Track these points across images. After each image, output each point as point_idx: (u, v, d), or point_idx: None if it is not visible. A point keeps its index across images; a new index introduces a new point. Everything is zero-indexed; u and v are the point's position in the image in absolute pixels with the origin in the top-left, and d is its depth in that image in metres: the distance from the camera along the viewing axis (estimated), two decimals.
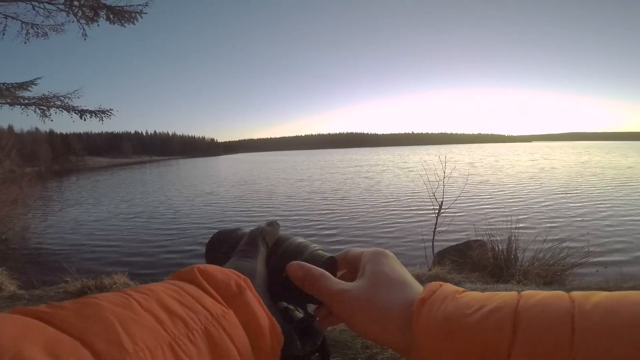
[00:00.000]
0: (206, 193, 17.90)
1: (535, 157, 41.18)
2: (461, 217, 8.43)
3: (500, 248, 4.21)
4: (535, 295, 0.24)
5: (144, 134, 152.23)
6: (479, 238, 5.20)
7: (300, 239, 0.38)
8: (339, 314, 0.30)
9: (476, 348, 0.23)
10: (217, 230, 0.42)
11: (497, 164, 31.33)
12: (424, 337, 0.25)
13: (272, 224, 0.37)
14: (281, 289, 0.33)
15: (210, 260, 0.38)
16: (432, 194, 5.20)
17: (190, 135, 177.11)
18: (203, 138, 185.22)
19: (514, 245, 4.17)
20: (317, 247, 0.37)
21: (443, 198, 5.13)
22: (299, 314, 0.34)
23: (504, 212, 8.07)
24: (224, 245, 0.38)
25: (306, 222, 9.94)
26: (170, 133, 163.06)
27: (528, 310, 0.22)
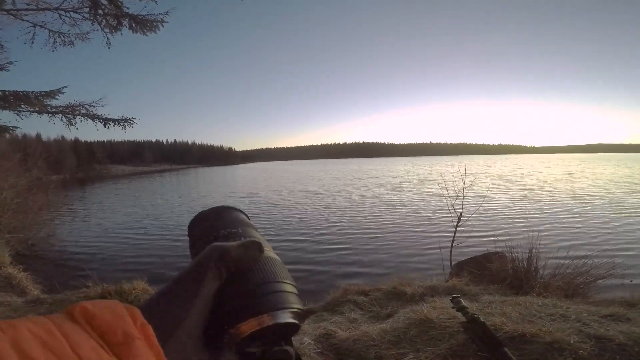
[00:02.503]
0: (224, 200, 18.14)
1: (570, 169, 38.20)
2: (491, 228, 8.22)
3: (521, 259, 4.06)
4: None
5: (165, 142, 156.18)
6: (498, 250, 5.05)
7: (280, 282, 0.31)
8: None
9: None
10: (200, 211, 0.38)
11: (530, 176, 29.21)
12: None
13: (248, 247, 0.31)
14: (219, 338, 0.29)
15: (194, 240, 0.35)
16: (451, 205, 5.09)
17: (208, 144, 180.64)
18: (221, 147, 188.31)
19: (535, 258, 4.01)
20: (292, 305, 0.31)
21: (462, 209, 5.02)
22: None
23: (532, 226, 7.77)
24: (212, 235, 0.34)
25: (318, 232, 9.89)
26: (189, 142, 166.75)
27: None
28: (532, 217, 10.64)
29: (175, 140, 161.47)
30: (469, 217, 5.25)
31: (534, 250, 4.12)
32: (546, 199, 15.02)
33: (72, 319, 0.25)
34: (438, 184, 5.81)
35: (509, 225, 8.88)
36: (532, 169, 39.01)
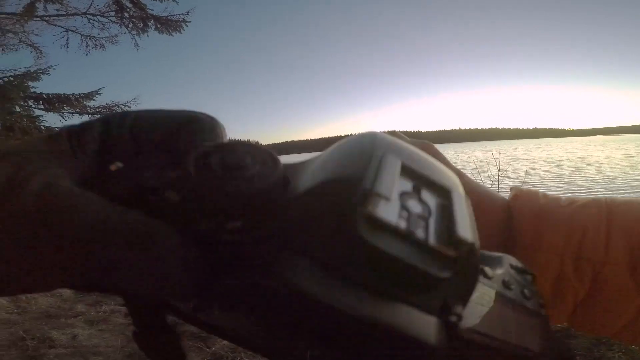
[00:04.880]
0: None
1: (628, 151, 28.15)
2: None
3: None
4: (620, 197, 0.27)
5: None
6: None
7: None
8: None
9: (577, 233, 0.25)
10: None
11: (585, 160, 23.41)
12: (525, 225, 0.26)
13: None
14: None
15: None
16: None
17: (235, 137, 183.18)
18: (248, 141, 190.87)
19: None
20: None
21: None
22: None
23: None
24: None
25: None
26: None
27: (618, 206, 0.25)
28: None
29: None
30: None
31: None
32: (618, 186, 12.00)
33: None
34: (481, 172, 5.35)
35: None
36: (583, 153, 33.10)
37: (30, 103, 6.17)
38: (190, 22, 6.58)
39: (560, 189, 12.41)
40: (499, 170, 4.94)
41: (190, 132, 0.16)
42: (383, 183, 0.12)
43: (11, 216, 0.12)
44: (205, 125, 0.16)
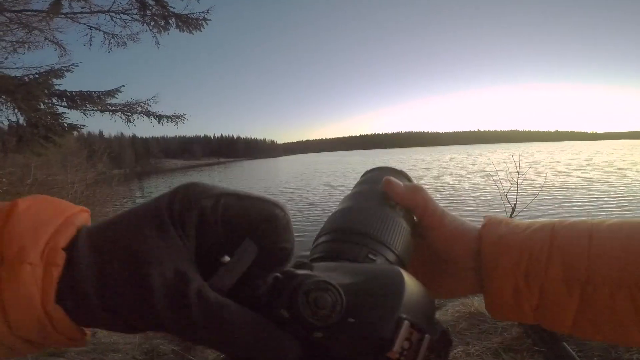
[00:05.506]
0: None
1: None
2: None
3: None
4: (567, 221, 0.32)
5: (212, 137, 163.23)
6: None
7: None
8: (435, 230, 0.35)
9: (524, 257, 0.30)
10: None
11: (612, 165, 22.65)
12: (486, 252, 0.32)
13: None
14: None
15: None
16: (504, 196, 4.78)
17: (252, 137, 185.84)
18: (264, 140, 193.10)
19: None
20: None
21: (517, 200, 4.71)
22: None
23: None
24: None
25: None
26: (234, 136, 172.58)
27: (561, 229, 0.31)
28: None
29: (221, 134, 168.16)
30: (522, 209, 4.90)
31: None
32: None
33: (10, 204, 0.20)
34: (500, 175, 5.22)
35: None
36: (610, 157, 32.29)
37: (54, 100, 6.31)
38: (210, 20, 6.62)
39: (587, 194, 11.92)
40: (518, 173, 4.84)
41: (271, 230, 0.21)
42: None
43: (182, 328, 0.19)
44: (280, 224, 0.21)
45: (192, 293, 0.19)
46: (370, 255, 0.28)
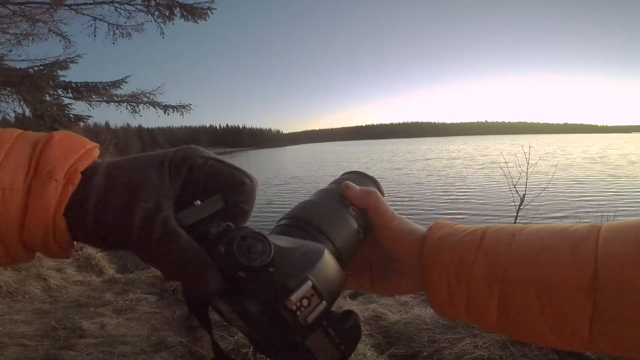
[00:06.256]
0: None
1: None
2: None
3: None
4: (500, 225, 0.33)
5: (218, 127, 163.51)
6: None
7: None
8: (384, 230, 0.37)
9: (455, 257, 0.32)
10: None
11: (627, 158, 21.71)
12: (426, 252, 0.35)
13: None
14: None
15: None
16: (513, 187, 4.72)
17: (258, 127, 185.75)
18: (269, 130, 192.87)
19: None
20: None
21: (526, 191, 4.64)
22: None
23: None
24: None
25: None
26: (240, 126, 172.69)
27: (490, 233, 0.32)
28: None
29: (227, 124, 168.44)
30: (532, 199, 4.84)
31: None
32: None
33: (48, 135, 0.26)
34: (509, 166, 5.14)
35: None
36: (622, 150, 30.80)
37: (59, 92, 6.32)
38: (215, 9, 6.55)
39: (605, 188, 11.32)
40: (527, 164, 4.78)
41: (237, 192, 0.28)
42: None
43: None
44: (246, 189, 0.28)
45: (158, 220, 0.24)
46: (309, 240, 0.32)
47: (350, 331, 0.27)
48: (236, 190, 0.28)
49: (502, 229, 0.33)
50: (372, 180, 0.43)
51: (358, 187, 0.38)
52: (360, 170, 0.44)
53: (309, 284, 0.24)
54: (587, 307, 0.26)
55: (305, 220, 0.34)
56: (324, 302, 0.25)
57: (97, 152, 0.28)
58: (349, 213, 0.36)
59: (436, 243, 0.34)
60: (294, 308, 0.23)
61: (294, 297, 0.23)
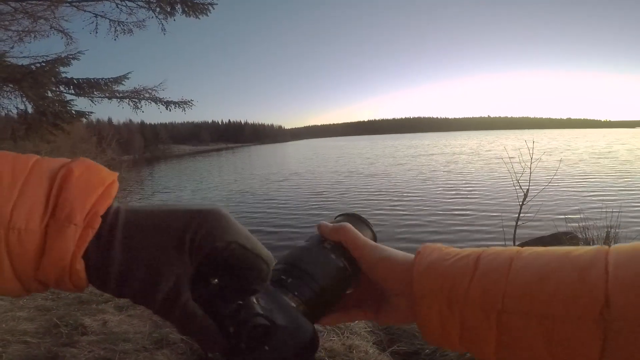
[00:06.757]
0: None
1: None
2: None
3: (597, 240, 3.71)
4: (496, 248, 0.32)
5: (220, 122, 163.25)
6: (570, 231, 4.66)
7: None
8: (361, 260, 0.37)
9: (447, 283, 0.31)
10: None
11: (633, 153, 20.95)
12: (416, 279, 0.33)
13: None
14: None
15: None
16: (516, 182, 4.70)
17: (260, 122, 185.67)
18: (271, 125, 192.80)
19: (614, 239, 3.63)
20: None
21: (529, 186, 4.62)
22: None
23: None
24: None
25: (376, 212, 9.82)
26: (242, 122, 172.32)
27: (486, 256, 0.31)
28: None
29: (229, 120, 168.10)
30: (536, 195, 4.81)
31: (612, 230, 3.72)
32: None
33: (66, 169, 0.25)
34: (513, 162, 5.13)
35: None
36: (629, 145, 30.30)
37: (61, 88, 6.31)
38: (217, 4, 6.50)
39: (613, 184, 11.24)
40: (531, 159, 4.76)
41: (255, 278, 0.29)
42: None
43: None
44: (262, 275, 0.30)
45: (179, 303, 0.26)
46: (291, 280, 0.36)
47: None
48: (253, 275, 0.29)
49: (498, 253, 0.31)
50: (365, 223, 0.45)
51: (330, 224, 0.40)
52: (355, 212, 0.47)
53: None
54: (597, 338, 0.24)
55: (290, 262, 0.37)
56: None
57: (116, 187, 0.28)
58: (329, 250, 0.39)
59: (425, 269, 0.33)
60: None
61: None
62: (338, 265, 0.38)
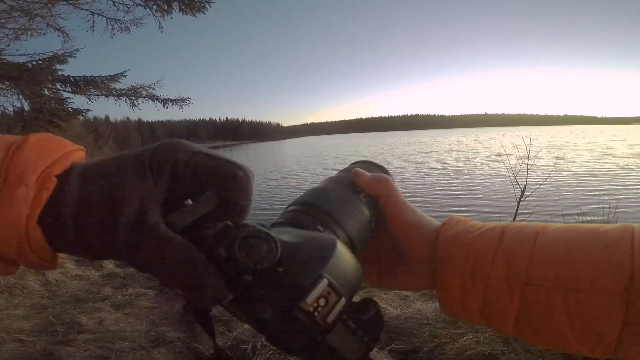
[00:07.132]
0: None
1: None
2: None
3: None
4: (520, 223, 0.32)
5: (217, 120, 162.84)
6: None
7: None
8: (394, 220, 0.35)
9: (472, 254, 0.31)
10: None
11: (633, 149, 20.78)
12: (440, 248, 0.33)
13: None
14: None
15: None
16: (513, 178, 4.70)
17: (258, 120, 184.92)
18: (269, 123, 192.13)
19: None
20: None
21: (527, 182, 4.63)
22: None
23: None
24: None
25: None
26: (240, 119, 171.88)
27: (511, 230, 0.31)
28: None
29: (227, 118, 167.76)
30: (533, 191, 4.81)
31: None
32: None
33: (24, 137, 0.24)
34: (510, 159, 5.14)
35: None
36: (627, 141, 29.55)
37: (58, 85, 6.29)
38: (214, 2, 6.46)
39: (610, 180, 10.94)
40: (528, 156, 4.78)
41: (231, 186, 0.24)
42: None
43: (106, 247, 0.23)
44: (240, 183, 0.24)
45: (145, 229, 0.22)
46: (320, 227, 0.30)
47: (372, 321, 0.26)
48: (229, 185, 0.24)
49: (523, 227, 0.31)
50: (383, 170, 0.41)
51: (368, 173, 0.36)
52: (369, 160, 0.42)
53: (324, 282, 0.22)
54: (619, 313, 0.24)
55: (315, 205, 0.32)
56: (343, 298, 0.23)
57: (79, 154, 0.25)
58: (360, 200, 0.34)
59: (451, 239, 0.33)
60: (311, 310, 0.21)
61: (310, 298, 0.21)
62: (370, 226, 0.34)
